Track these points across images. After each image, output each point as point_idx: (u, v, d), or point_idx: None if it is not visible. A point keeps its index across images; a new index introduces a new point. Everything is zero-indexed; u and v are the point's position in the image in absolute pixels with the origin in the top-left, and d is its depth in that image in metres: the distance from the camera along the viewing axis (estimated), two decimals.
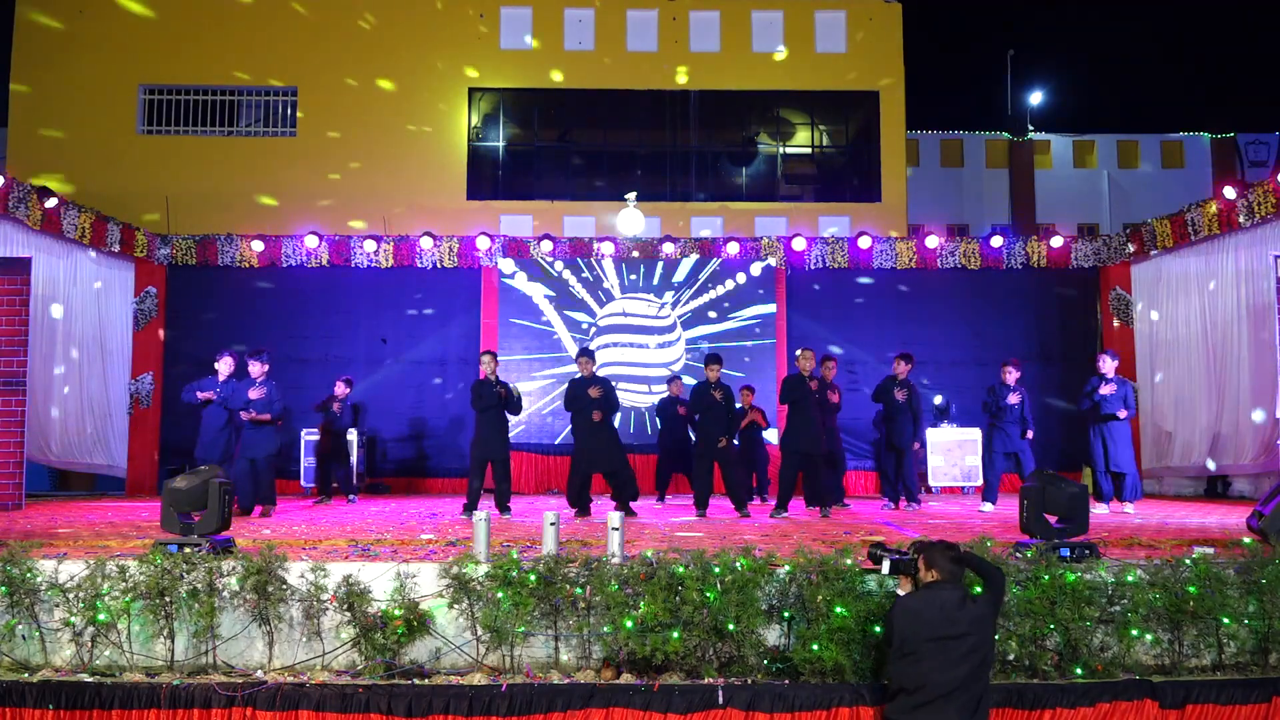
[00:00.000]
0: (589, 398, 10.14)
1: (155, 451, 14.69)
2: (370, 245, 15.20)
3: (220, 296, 15.17)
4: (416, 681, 5.38)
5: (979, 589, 5.18)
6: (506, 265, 15.28)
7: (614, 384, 11.21)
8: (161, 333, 14.98)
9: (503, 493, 10.35)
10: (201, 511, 6.16)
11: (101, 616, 5.55)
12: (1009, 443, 10.71)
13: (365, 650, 5.52)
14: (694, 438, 10.91)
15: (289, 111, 20.59)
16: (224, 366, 10.48)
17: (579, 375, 10.50)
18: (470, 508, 10.01)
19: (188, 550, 5.81)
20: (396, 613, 5.51)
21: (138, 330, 14.69)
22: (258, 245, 15.12)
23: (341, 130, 20.20)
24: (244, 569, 5.65)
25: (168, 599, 5.60)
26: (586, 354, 10.62)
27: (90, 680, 5.37)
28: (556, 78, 20.96)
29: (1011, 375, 10.74)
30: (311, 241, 15.15)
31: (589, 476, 10.35)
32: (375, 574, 5.69)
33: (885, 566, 5.18)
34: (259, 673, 5.53)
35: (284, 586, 5.64)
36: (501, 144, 21.38)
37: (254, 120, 20.81)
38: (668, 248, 15.34)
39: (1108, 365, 10.77)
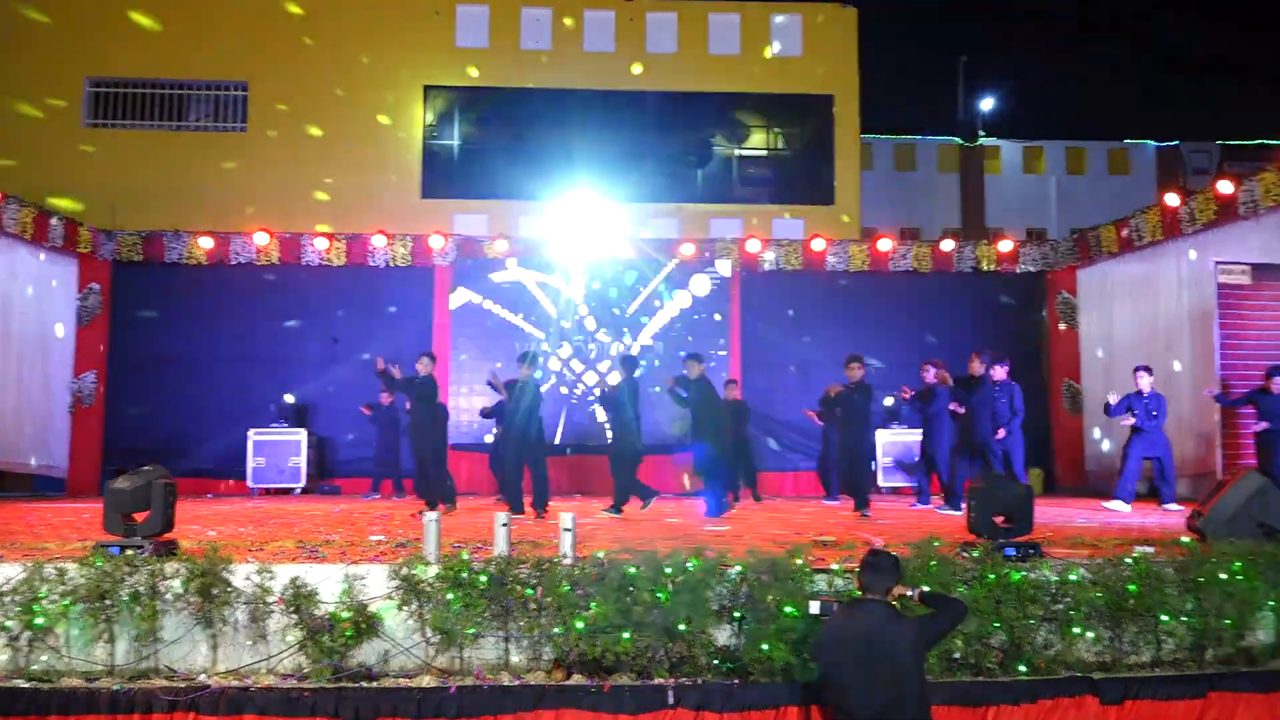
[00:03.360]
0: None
1: (98, 451, 14.39)
2: (322, 243, 15.02)
3: (167, 294, 14.91)
4: (364, 684, 5.33)
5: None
6: (461, 264, 15.18)
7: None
8: (106, 331, 14.67)
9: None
10: (144, 512, 6.05)
11: (39, 620, 5.43)
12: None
13: (312, 653, 5.45)
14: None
15: (240, 106, 20.28)
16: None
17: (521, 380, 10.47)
18: (434, 503, 10.11)
19: (130, 552, 5.70)
20: (344, 615, 5.45)
21: (81, 328, 14.39)
22: (206, 242, 14.88)
23: (293, 126, 19.93)
24: (188, 571, 5.55)
25: (108, 602, 5.49)
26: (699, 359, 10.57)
27: (27, 686, 5.25)
28: (513, 77, 20.86)
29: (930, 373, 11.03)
30: (261, 239, 14.94)
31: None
32: (323, 576, 5.62)
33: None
34: (202, 676, 5.44)
35: (229, 589, 5.55)
36: (457, 143, 21.24)
37: (204, 115, 20.47)
38: (624, 248, 15.33)
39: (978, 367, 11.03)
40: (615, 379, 12.68)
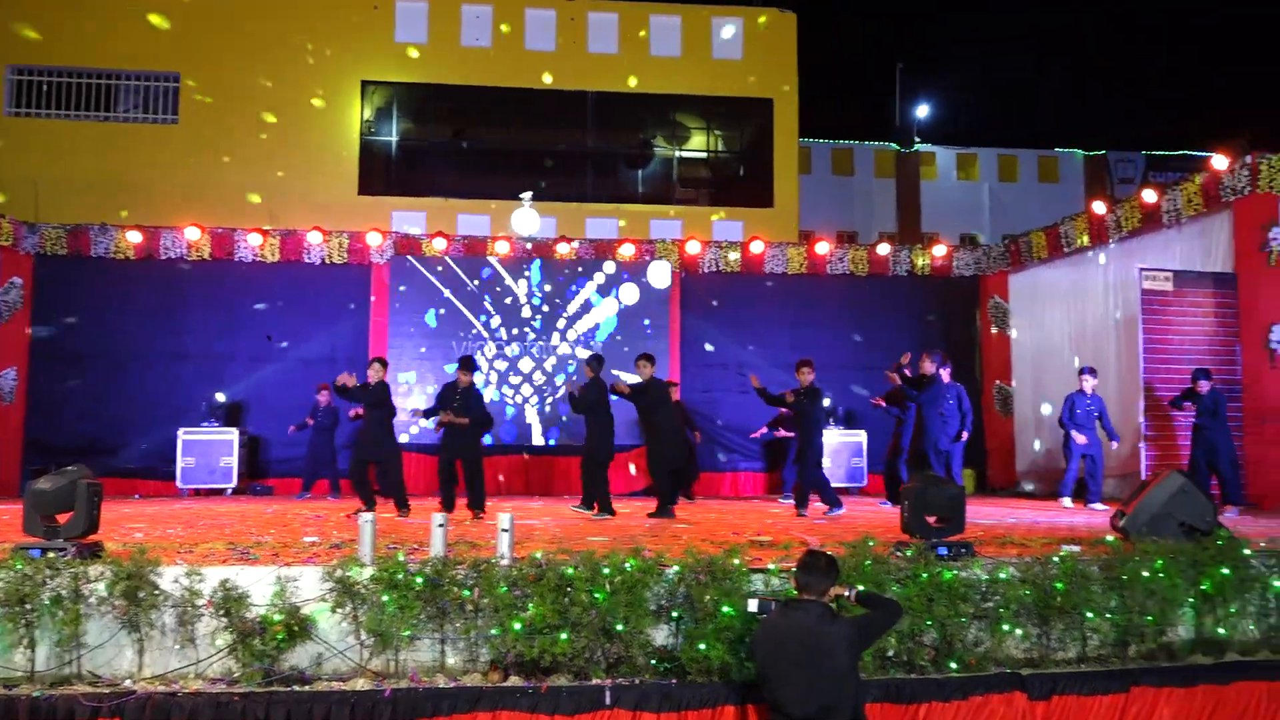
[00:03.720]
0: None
1: (18, 451, 13.94)
2: (256, 239, 14.74)
3: (93, 289, 14.49)
4: (297, 688, 5.24)
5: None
6: (399, 263, 15.01)
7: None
8: (28, 326, 14.22)
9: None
10: (67, 514, 5.88)
11: None
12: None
13: (243, 657, 5.34)
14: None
15: (171, 98, 19.82)
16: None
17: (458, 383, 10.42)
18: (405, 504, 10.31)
19: (51, 555, 5.54)
20: (276, 618, 5.35)
21: (1, 323, 13.93)
22: (135, 236, 14.51)
23: (227, 119, 19.53)
24: (113, 574, 5.40)
25: (28, 606, 5.32)
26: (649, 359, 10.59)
27: None
28: (452, 74, 20.69)
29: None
30: (193, 233, 14.62)
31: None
32: (254, 578, 5.52)
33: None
34: (128, 682, 5.30)
35: (156, 592, 5.41)
36: (395, 139, 21.01)
37: (133, 106, 19.96)
38: (563, 248, 15.30)
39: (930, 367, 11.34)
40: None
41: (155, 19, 19.44)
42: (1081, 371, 11.76)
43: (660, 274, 15.04)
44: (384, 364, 10.67)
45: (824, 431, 11.72)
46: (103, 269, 14.52)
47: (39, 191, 16.18)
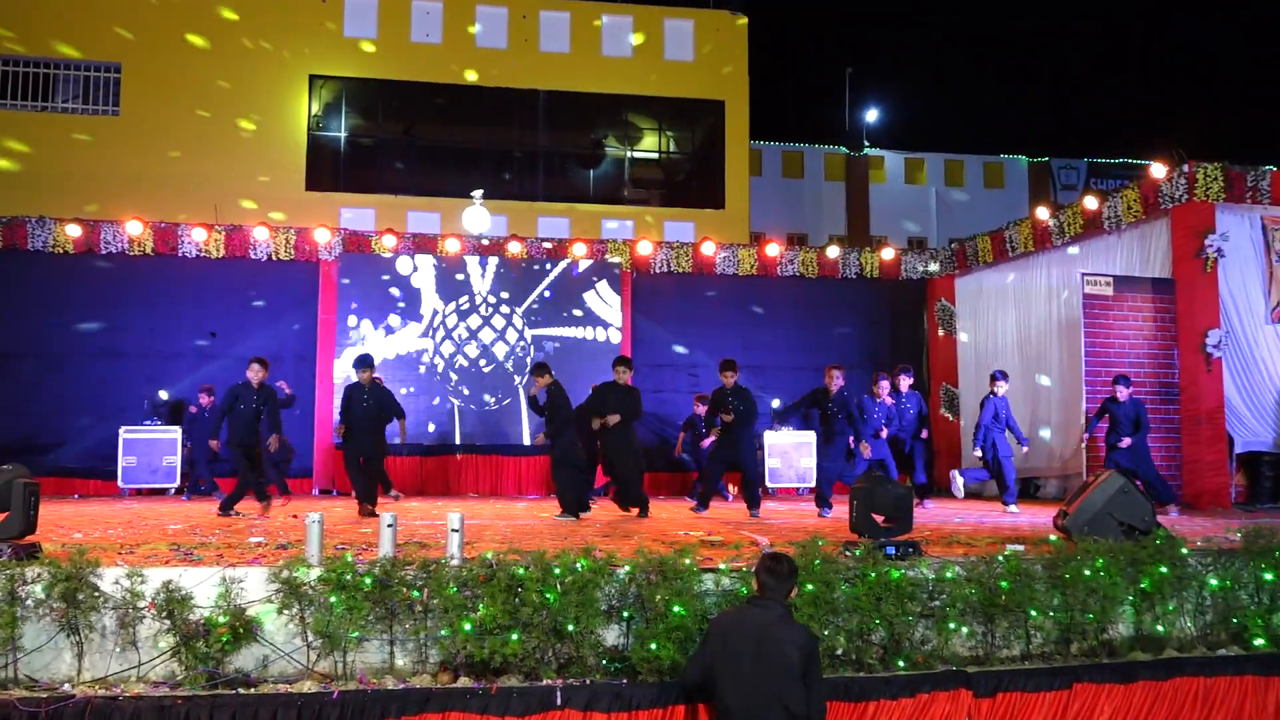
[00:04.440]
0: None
1: None
2: (200, 234, 14.48)
3: (30, 283, 14.12)
4: (242, 691, 5.15)
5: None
6: (348, 259, 14.83)
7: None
8: None
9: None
10: (3, 514, 5.72)
11: None
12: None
13: (186, 659, 5.23)
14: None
15: (112, 89, 19.40)
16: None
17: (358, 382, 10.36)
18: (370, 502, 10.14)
19: None
20: (221, 619, 5.26)
21: None
22: (74, 230, 14.16)
23: (171, 111, 19.18)
24: (51, 576, 5.27)
25: None
26: (625, 364, 10.60)
27: None
28: (402, 70, 20.51)
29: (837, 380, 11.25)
30: (134, 228, 14.31)
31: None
32: (198, 579, 5.41)
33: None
34: (66, 686, 5.17)
35: (96, 594, 5.28)
36: (343, 135, 20.77)
37: (73, 96, 19.50)
38: (514, 247, 15.24)
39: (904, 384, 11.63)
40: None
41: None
42: (995, 376, 11.70)
43: (611, 273, 15.02)
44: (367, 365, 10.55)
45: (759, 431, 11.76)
46: (40, 262, 14.16)
47: None
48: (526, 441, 14.68)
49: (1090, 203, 12.87)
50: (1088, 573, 6.01)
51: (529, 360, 14.84)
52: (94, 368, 14.11)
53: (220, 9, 19.54)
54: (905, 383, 11.68)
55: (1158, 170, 11.79)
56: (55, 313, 14.07)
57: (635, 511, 10.29)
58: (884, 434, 11.14)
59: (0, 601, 5.20)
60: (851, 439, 10.67)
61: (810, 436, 14.52)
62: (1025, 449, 12.11)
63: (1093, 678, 5.73)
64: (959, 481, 11.67)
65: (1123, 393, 10.80)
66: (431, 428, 14.60)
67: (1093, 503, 6.83)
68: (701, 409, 12.91)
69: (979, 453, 11.39)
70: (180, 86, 19.23)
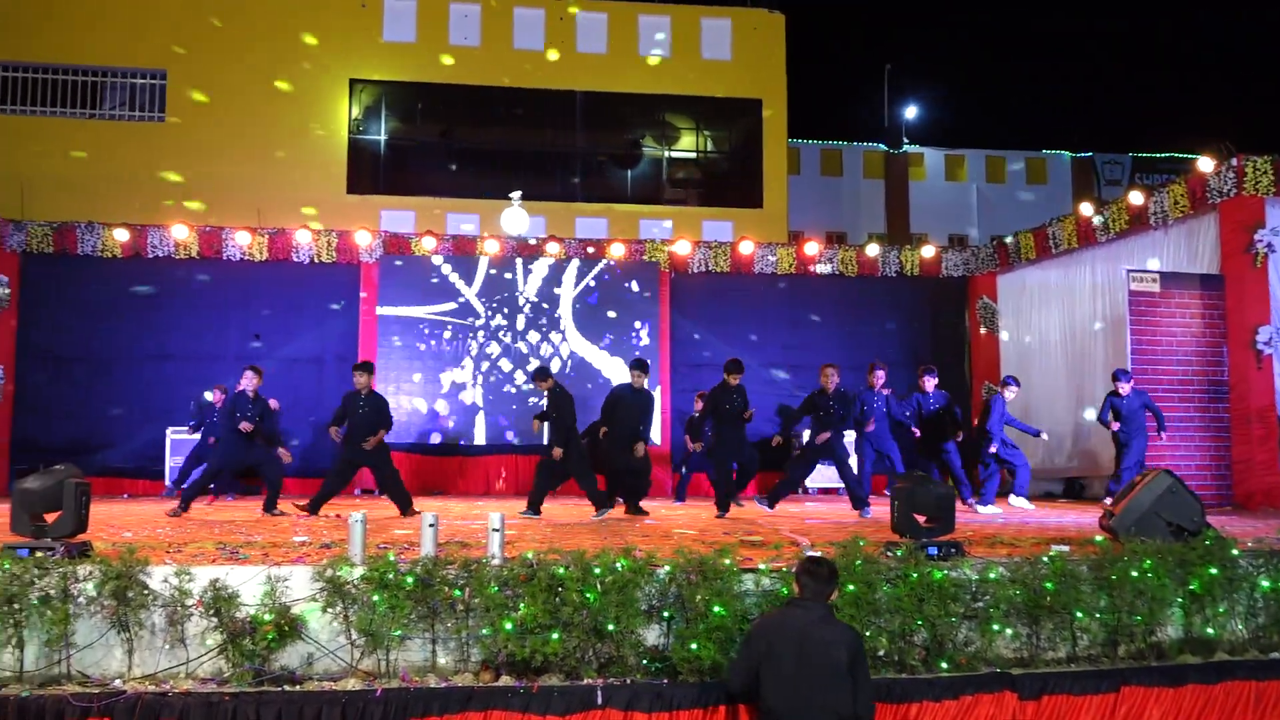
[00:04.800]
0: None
1: (5, 450, 13.86)
2: (244, 237, 14.69)
3: (80, 287, 14.41)
4: (287, 688, 5.21)
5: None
6: (388, 261, 14.97)
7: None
8: (14, 324, 14.13)
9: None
10: (55, 513, 5.84)
11: None
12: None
13: (233, 657, 5.31)
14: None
15: (158, 95, 19.73)
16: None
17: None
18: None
19: (39, 555, 5.50)
20: (266, 617, 5.33)
21: None
22: (122, 234, 14.43)
23: (214, 118, 19.47)
24: (101, 574, 5.37)
25: (16, 606, 5.28)
26: (641, 367, 10.54)
27: None
28: (441, 73, 20.66)
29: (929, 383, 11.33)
30: (180, 232, 14.54)
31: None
32: (244, 578, 5.49)
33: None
34: (117, 682, 5.27)
35: (145, 591, 5.38)
36: (383, 138, 20.97)
37: (119, 104, 19.87)
38: (552, 247, 15.29)
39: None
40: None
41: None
42: (1006, 381, 11.74)
43: (649, 273, 15.01)
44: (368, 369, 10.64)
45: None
46: (90, 267, 14.45)
47: (25, 189, 16.06)
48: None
49: (1135, 198, 12.67)
50: (1135, 574, 5.92)
51: (565, 358, 14.90)
52: (142, 370, 14.36)
53: (263, 17, 19.80)
54: (930, 383, 11.58)
55: (1205, 164, 11.58)
56: (104, 317, 14.34)
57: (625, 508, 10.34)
58: (870, 426, 10.95)
59: (53, 599, 5.31)
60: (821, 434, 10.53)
61: (850, 436, 14.42)
62: (1044, 436, 12.32)
63: (1141, 680, 5.63)
64: (1023, 502, 11.51)
65: (1124, 387, 10.72)
66: (480, 428, 14.69)
67: (1140, 503, 6.72)
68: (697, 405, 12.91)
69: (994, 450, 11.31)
70: (223, 93, 19.52)
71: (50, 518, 5.86)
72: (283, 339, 14.69)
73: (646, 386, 10.61)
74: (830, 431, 10.19)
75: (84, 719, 4.92)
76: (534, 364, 15.04)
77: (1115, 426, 11.08)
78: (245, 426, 10.05)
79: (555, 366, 14.93)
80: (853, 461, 10.87)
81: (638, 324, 15.24)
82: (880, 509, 10.46)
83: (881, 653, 5.61)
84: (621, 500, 10.51)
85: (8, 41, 19.10)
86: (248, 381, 10.28)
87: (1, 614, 5.26)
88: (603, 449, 10.69)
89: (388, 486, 10.37)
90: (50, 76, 19.45)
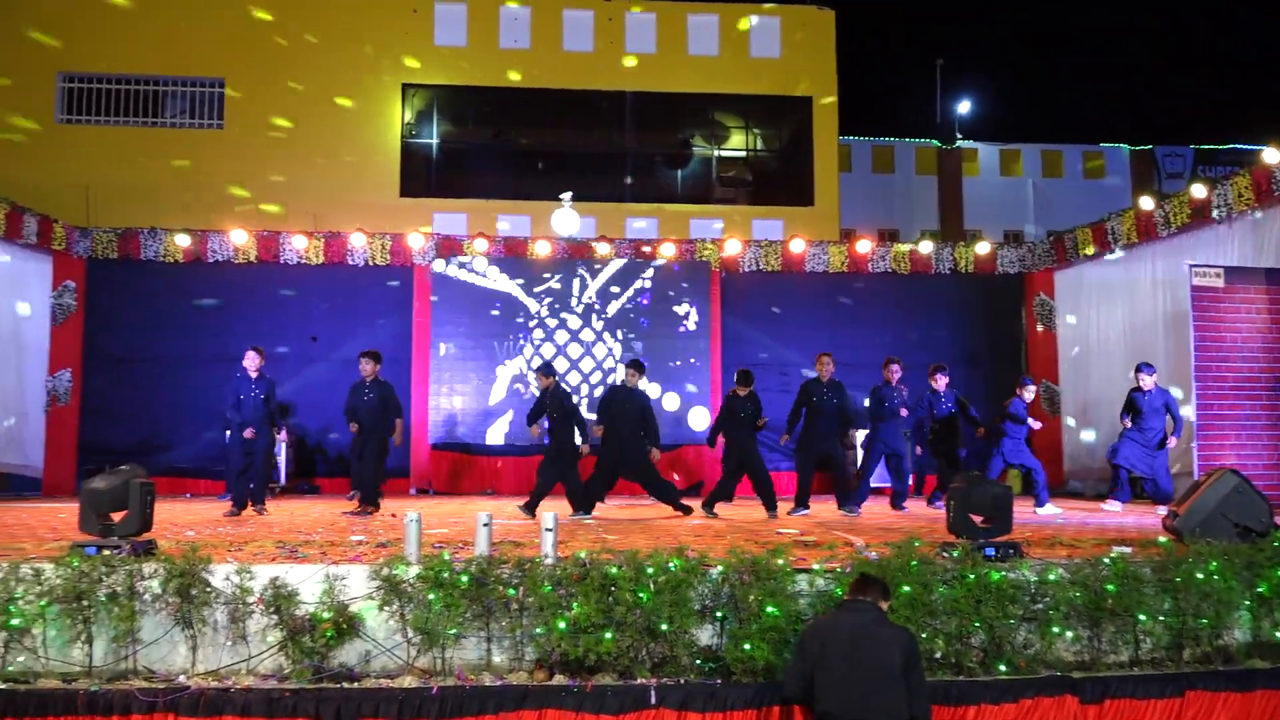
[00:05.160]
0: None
1: (73, 451, 14.23)
2: (300, 241, 14.93)
3: (143, 291, 14.76)
4: (345, 685, 5.30)
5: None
6: (439, 264, 15.13)
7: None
8: (81, 329, 14.51)
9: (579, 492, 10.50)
10: (122, 512, 5.99)
11: (15, 621, 5.36)
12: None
13: (292, 653, 5.41)
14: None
15: (216, 103, 20.13)
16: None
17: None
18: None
19: (107, 553, 5.64)
20: (325, 615, 5.42)
21: (56, 326, 14.23)
22: (183, 239, 14.75)
23: (270, 124, 19.81)
24: (166, 571, 5.50)
25: (85, 603, 5.43)
26: (636, 366, 10.57)
27: (3, 687, 5.19)
28: (491, 76, 20.82)
29: (941, 381, 11.12)
30: (239, 237, 14.83)
31: (611, 483, 10.50)
32: (303, 576, 5.58)
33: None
34: (181, 677, 5.39)
35: (208, 589, 5.50)
36: (435, 141, 21.18)
37: (179, 111, 20.31)
38: (603, 248, 15.33)
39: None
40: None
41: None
42: (1023, 382, 11.52)
43: (699, 273, 15.00)
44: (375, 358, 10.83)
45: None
46: (152, 272, 14.79)
47: (90, 196, 16.47)
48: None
49: (1198, 191, 12.35)
50: (1200, 576, 5.79)
51: (615, 358, 14.94)
52: (204, 372, 14.64)
53: (317, 25, 20.11)
54: (942, 382, 11.53)
55: (1270, 155, 11.25)
56: (167, 320, 14.65)
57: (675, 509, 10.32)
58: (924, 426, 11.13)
59: (120, 596, 5.44)
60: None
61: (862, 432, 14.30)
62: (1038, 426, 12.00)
63: (1207, 685, 5.51)
64: (1117, 505, 11.30)
65: (1146, 380, 10.54)
66: (535, 430, 14.76)
67: (1205, 503, 6.57)
68: None
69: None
70: (280, 99, 19.86)
71: (117, 517, 6.01)
72: (338, 340, 14.91)
73: (640, 387, 10.56)
74: (862, 428, 10.36)
75: (150, 713, 5.04)
76: (588, 363, 15.13)
77: (1127, 424, 10.92)
78: (249, 434, 10.24)
79: (609, 366, 14.98)
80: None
81: (689, 324, 15.22)
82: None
83: (938, 654, 5.54)
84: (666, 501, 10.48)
85: (73, 55, 19.61)
86: (250, 361, 10.40)
87: (71, 610, 5.42)
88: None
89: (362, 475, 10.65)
90: (113, 87, 19.93)
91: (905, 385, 11.25)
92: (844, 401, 10.66)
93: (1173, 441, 10.95)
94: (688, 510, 10.23)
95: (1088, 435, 14.52)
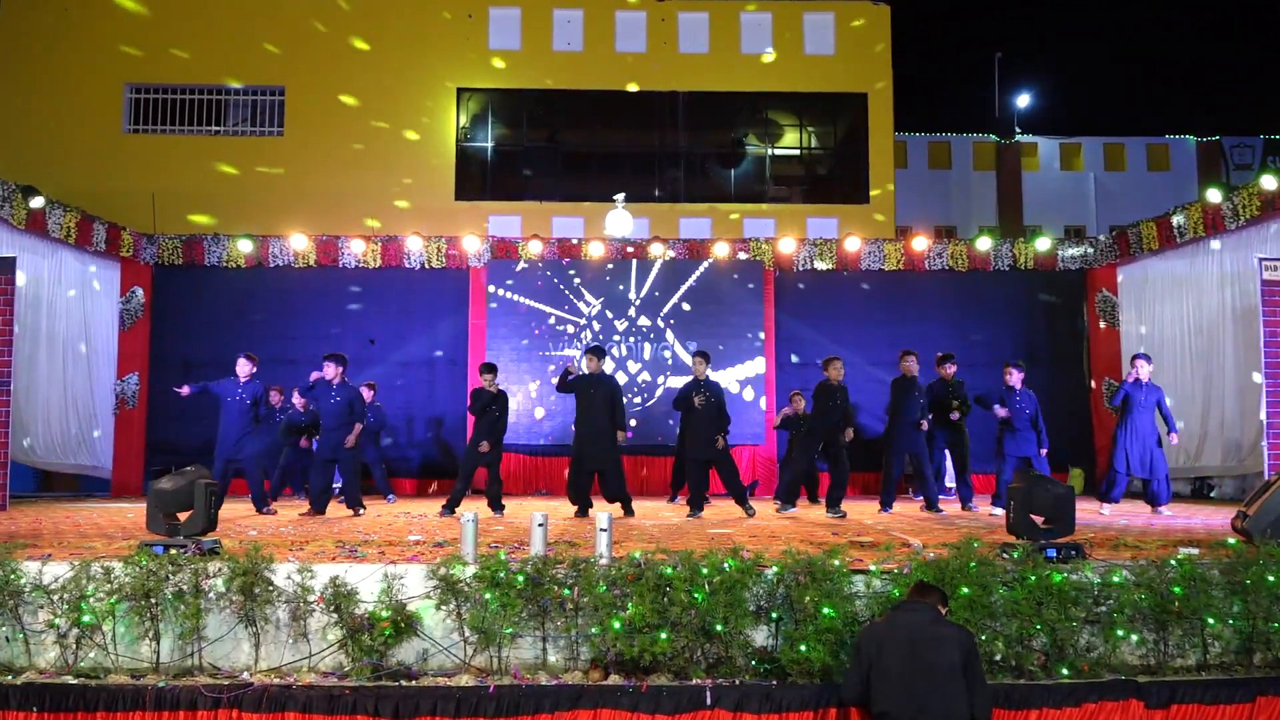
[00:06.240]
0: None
1: (141, 452, 14.61)
2: (358, 245, 15.15)
3: (207, 296, 15.10)
4: (404, 683, 5.37)
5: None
6: (495, 266, 15.25)
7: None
8: (148, 333, 14.89)
9: (494, 494, 10.70)
10: (187, 512, 6.13)
11: (86, 618, 5.51)
12: (1022, 446, 10.74)
13: (352, 652, 5.49)
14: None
15: (277, 111, 20.52)
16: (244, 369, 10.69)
17: (586, 374, 10.53)
18: (450, 508, 10.34)
19: (173, 551, 5.78)
20: (384, 614, 5.49)
21: (124, 330, 14.62)
22: (245, 245, 15.06)
23: (329, 130, 20.13)
24: (230, 570, 5.62)
25: (153, 600, 5.57)
26: (595, 352, 10.59)
27: (75, 682, 5.34)
28: (545, 78, 20.94)
29: (1015, 378, 10.87)
30: (299, 242, 15.10)
31: (589, 475, 10.41)
32: (362, 575, 5.67)
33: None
34: (245, 674, 5.51)
35: (270, 588, 5.61)
36: (489, 144, 21.34)
37: (241, 120, 20.73)
38: (656, 248, 15.34)
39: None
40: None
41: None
42: (1009, 365, 11.07)
43: (753, 272, 14.94)
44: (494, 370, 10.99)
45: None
46: (216, 277, 15.13)
47: (156, 203, 16.88)
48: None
49: (1268, 183, 12.00)
50: (1271, 579, 5.63)
51: (669, 359, 14.94)
52: (265, 374, 14.89)
53: (373, 31, 20.40)
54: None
55: None
56: (230, 324, 14.96)
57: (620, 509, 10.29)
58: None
59: (186, 594, 5.58)
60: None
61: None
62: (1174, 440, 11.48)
63: (1278, 691, 5.35)
64: (1107, 509, 10.99)
65: (1144, 369, 10.34)
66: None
67: (1276, 503, 6.38)
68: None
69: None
70: (338, 106, 20.17)
71: (182, 517, 6.15)
72: (396, 343, 15.12)
73: (602, 371, 10.56)
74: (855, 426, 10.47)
75: (215, 709, 5.15)
76: (634, 367, 15.14)
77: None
78: (350, 441, 10.53)
79: (667, 363, 14.99)
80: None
81: (743, 322, 15.17)
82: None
83: (998, 657, 5.46)
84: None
85: (139, 66, 20.12)
86: (241, 368, 10.74)
87: (139, 608, 5.56)
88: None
89: (347, 483, 10.74)
90: (178, 97, 20.42)
91: (963, 380, 11.14)
92: (846, 403, 10.76)
93: (1174, 439, 10.61)
94: (631, 513, 10.24)
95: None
